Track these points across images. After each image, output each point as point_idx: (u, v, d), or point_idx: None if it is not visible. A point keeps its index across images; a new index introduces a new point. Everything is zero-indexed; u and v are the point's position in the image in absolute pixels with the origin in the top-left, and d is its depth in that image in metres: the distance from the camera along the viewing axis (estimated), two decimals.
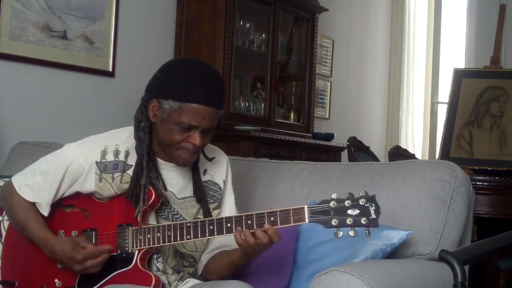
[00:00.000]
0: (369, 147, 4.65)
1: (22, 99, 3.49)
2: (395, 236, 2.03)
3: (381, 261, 1.99)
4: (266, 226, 1.75)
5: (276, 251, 2.08)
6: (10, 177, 2.12)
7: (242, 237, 1.77)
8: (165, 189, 1.97)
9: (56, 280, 1.95)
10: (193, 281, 1.97)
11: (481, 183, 3.54)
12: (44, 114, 3.59)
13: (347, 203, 1.71)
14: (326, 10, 5.23)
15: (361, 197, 1.71)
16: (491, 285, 3.89)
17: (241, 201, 2.21)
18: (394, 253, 2.07)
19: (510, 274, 3.55)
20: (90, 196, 1.98)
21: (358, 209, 1.70)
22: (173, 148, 1.90)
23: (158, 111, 1.89)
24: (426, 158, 6.43)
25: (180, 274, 1.98)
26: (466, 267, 1.60)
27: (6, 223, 2.40)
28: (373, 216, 1.69)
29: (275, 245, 2.06)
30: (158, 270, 1.93)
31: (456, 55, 6.47)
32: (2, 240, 2.41)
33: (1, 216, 2.47)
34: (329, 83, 5.79)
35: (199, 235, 1.83)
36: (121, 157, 1.97)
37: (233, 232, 1.79)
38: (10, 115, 3.42)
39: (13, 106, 3.44)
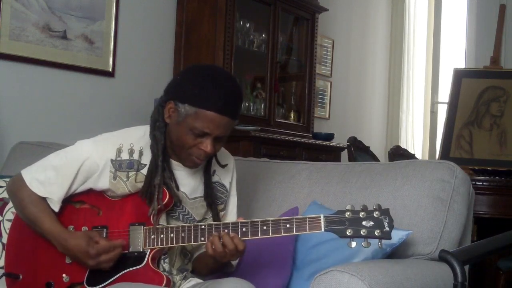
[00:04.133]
0: (369, 147, 4.64)
1: (22, 99, 3.49)
2: (395, 236, 2.02)
3: (381, 261, 1.99)
4: (232, 234, 1.79)
5: (276, 251, 2.09)
6: (10, 177, 2.12)
7: (212, 246, 1.81)
8: (178, 189, 1.98)
9: (64, 275, 1.93)
10: (195, 280, 1.98)
11: (481, 183, 3.54)
12: (44, 114, 3.59)
13: (361, 214, 1.75)
14: (326, 10, 5.23)
15: (375, 209, 1.76)
16: (491, 285, 3.89)
17: (241, 201, 2.21)
18: (394, 253, 2.07)
19: (510, 274, 3.54)
20: (101, 193, 1.98)
21: (372, 221, 1.75)
22: (184, 152, 1.92)
23: (173, 113, 1.89)
24: (426, 158, 6.43)
25: (184, 273, 1.99)
26: (466, 267, 1.60)
27: (6, 223, 2.40)
28: (387, 229, 1.74)
29: (275, 245, 2.08)
30: (164, 270, 1.94)
31: (456, 55, 6.47)
32: (3, 240, 2.41)
33: (1, 216, 2.47)
34: (329, 83, 5.79)
35: None
36: (135, 156, 1.97)
37: (248, 237, 1.81)
38: (10, 115, 3.42)
39: (13, 106, 3.44)
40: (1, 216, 2.46)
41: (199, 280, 1.97)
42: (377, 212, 1.75)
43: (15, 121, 3.45)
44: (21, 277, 2.00)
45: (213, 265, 1.96)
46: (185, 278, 1.98)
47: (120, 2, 3.95)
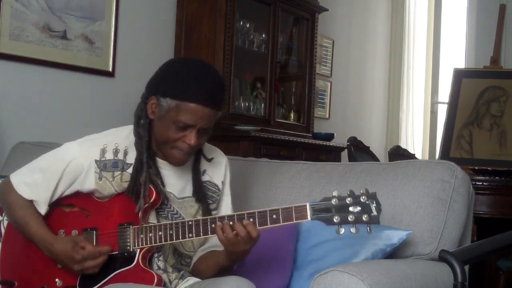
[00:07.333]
0: (369, 147, 4.64)
1: (22, 99, 3.49)
2: (395, 236, 2.03)
3: (381, 261, 1.99)
4: (246, 221, 1.76)
5: (276, 251, 2.09)
6: None
7: (224, 233, 1.77)
8: (163, 185, 1.98)
9: (56, 280, 1.94)
10: (193, 279, 1.97)
11: (481, 183, 3.54)
12: (44, 114, 3.59)
13: (348, 200, 1.71)
14: (326, 10, 5.22)
15: (362, 194, 1.72)
16: (491, 285, 3.89)
17: (241, 201, 2.21)
18: (394, 253, 2.07)
19: (510, 274, 3.54)
20: (89, 195, 1.99)
21: (359, 206, 1.70)
22: (168, 147, 1.91)
23: (156, 108, 1.90)
24: (426, 158, 6.43)
25: (181, 272, 1.98)
26: (466, 267, 1.60)
27: (7, 223, 2.39)
28: (374, 213, 1.70)
29: (275, 245, 2.07)
30: (159, 268, 1.94)
31: (456, 55, 6.47)
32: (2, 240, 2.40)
33: (1, 216, 2.47)
34: (329, 83, 5.79)
35: (201, 234, 1.83)
36: (120, 156, 1.97)
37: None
38: (10, 115, 3.42)
39: (13, 106, 3.44)
40: (1, 216, 2.46)
41: (197, 279, 1.96)
42: (364, 197, 1.71)
43: (15, 121, 3.45)
44: (16, 284, 2.01)
45: (224, 261, 1.91)
46: (182, 277, 1.97)
47: (120, 2, 3.94)
